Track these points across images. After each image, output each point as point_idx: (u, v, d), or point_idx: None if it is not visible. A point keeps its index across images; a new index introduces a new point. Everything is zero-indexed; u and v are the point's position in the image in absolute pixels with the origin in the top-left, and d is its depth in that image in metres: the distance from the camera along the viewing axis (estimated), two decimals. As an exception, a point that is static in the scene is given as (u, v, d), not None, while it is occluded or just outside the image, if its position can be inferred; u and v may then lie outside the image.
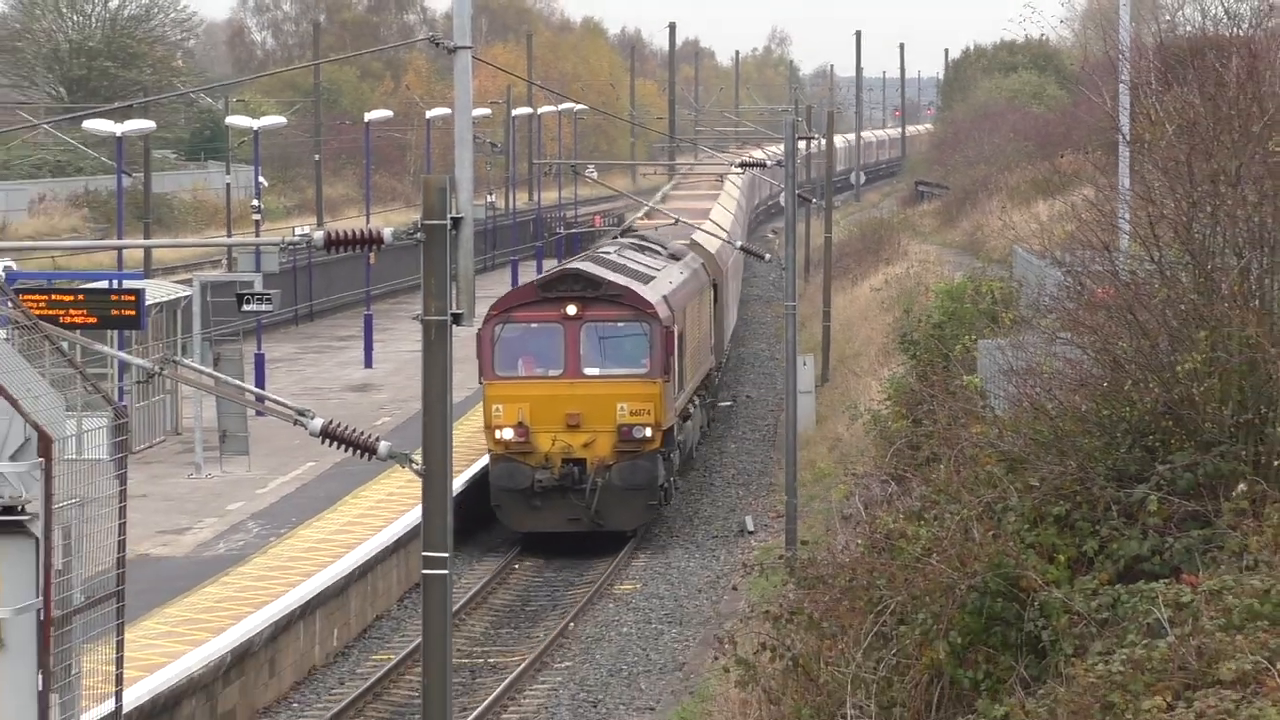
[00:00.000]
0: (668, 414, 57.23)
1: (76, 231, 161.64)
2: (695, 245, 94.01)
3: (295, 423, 38.48)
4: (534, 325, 56.77)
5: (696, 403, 71.67)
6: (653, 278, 71.70)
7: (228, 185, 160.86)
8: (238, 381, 55.26)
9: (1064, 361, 41.43)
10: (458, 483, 53.77)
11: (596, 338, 66.37)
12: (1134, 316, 38.03)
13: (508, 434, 55.36)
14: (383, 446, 37.33)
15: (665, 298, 63.73)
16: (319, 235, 35.82)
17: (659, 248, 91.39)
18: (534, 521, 54.84)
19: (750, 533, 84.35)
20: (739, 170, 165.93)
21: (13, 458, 24.77)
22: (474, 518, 59.08)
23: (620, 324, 65.88)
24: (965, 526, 36.93)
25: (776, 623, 42.43)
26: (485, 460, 59.55)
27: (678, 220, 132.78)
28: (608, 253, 73.74)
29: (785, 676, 40.86)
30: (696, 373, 72.87)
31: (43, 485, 24.70)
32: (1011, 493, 36.76)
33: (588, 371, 64.18)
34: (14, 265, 56.00)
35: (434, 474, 32.89)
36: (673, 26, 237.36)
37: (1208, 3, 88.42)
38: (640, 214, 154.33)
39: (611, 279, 69.90)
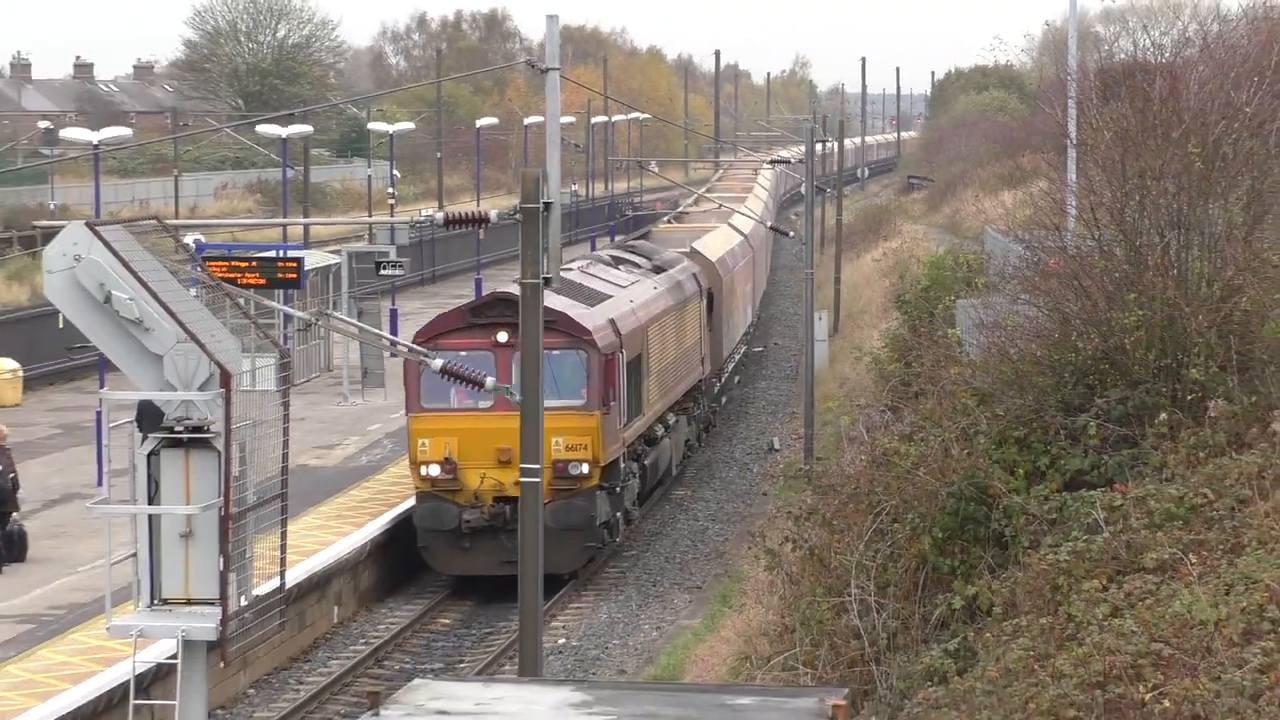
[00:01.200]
0: (608, 448, 47.90)
1: (250, 212, 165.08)
2: (695, 254, 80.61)
3: (420, 363, 40.50)
4: (463, 353, 44.93)
5: (672, 420, 62.32)
6: (608, 298, 59.24)
7: (369, 177, 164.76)
8: (376, 330, 57.68)
9: (1023, 317, 42.18)
10: (377, 524, 49.32)
11: None
12: (1078, 283, 38.89)
13: (434, 470, 46.08)
14: (489, 381, 40.46)
15: (613, 321, 53.12)
16: (440, 216, 42.20)
17: (643, 260, 74.71)
18: (463, 564, 46.74)
19: (776, 450, 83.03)
20: (769, 166, 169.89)
21: (201, 388, 24.39)
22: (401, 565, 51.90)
23: (555, 352, 49.51)
24: (945, 446, 37.91)
25: (797, 521, 43.63)
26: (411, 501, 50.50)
27: (720, 204, 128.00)
28: (570, 269, 60.49)
29: (803, 563, 42.06)
30: (676, 388, 63.12)
31: (223, 410, 24.65)
32: (981, 420, 37.70)
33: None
34: (202, 238, 56.20)
35: (528, 401, 36.29)
36: (717, 54, 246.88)
37: (1138, 35, 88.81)
38: (691, 200, 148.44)
39: (546, 303, 49.51)
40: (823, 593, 38.18)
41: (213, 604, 24.48)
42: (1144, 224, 37.64)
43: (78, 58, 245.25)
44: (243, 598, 25.01)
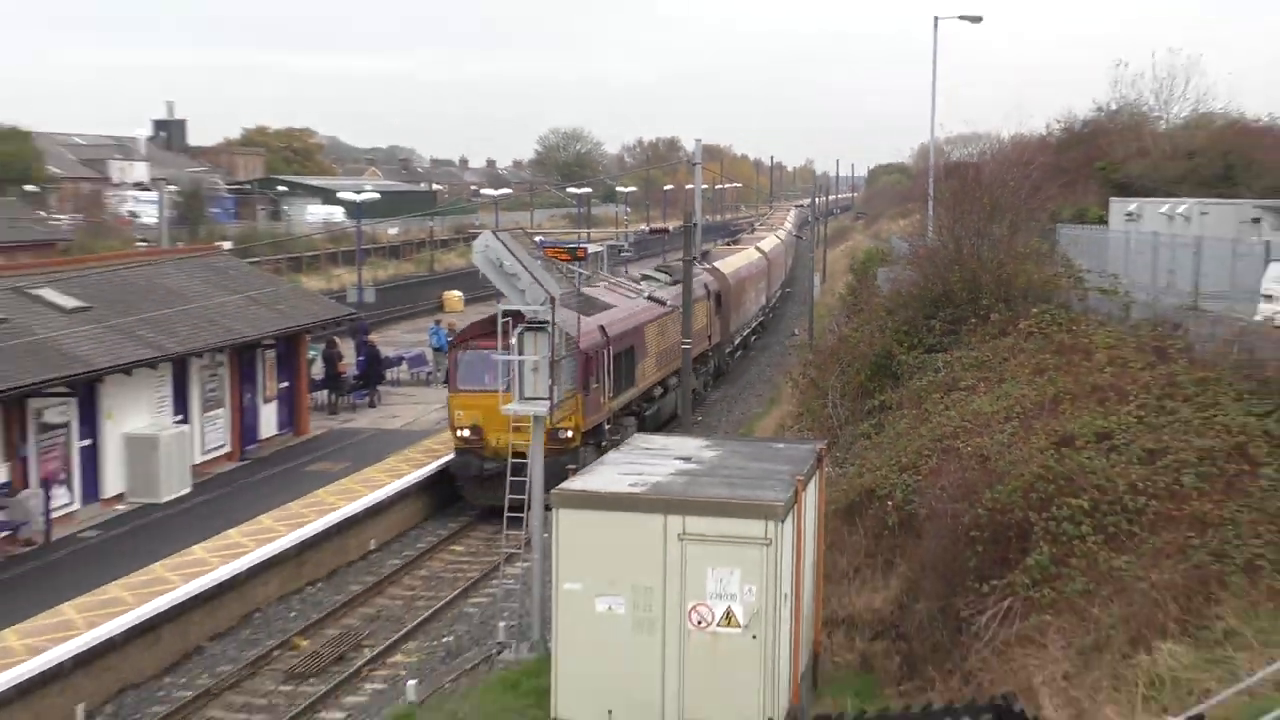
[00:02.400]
0: (588, 418, 42.15)
1: (564, 228, 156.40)
2: (713, 269, 66.98)
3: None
4: (484, 351, 40.14)
5: (674, 382, 50.62)
6: (610, 308, 49.29)
7: (617, 212, 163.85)
8: (626, 278, 59.53)
9: (906, 276, 44.51)
10: (431, 467, 43.18)
11: None
12: (932, 260, 41.94)
13: (465, 433, 41.46)
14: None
15: (602, 327, 45.08)
16: (645, 229, 44.29)
17: (664, 275, 61.11)
18: (485, 499, 40.85)
19: (795, 334, 76.93)
20: (795, 208, 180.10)
21: (540, 304, 27.78)
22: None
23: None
24: (870, 334, 41.29)
25: (804, 366, 46.92)
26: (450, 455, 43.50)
27: (754, 229, 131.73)
28: (596, 286, 52.04)
29: (807, 385, 44.81)
30: (662, 370, 52.38)
31: (551, 313, 28.01)
32: (888, 321, 40.66)
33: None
34: (542, 238, 54.57)
35: (685, 313, 41.20)
36: (772, 158, 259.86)
37: (962, 150, 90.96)
38: (758, 219, 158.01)
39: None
40: (815, 397, 41.84)
41: (545, 400, 27.68)
42: (962, 233, 40.32)
43: (489, 160, 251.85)
44: (557, 396, 28.01)
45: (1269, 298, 30.20)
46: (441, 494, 42.83)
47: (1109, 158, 58.52)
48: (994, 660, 21.69)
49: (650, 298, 53.89)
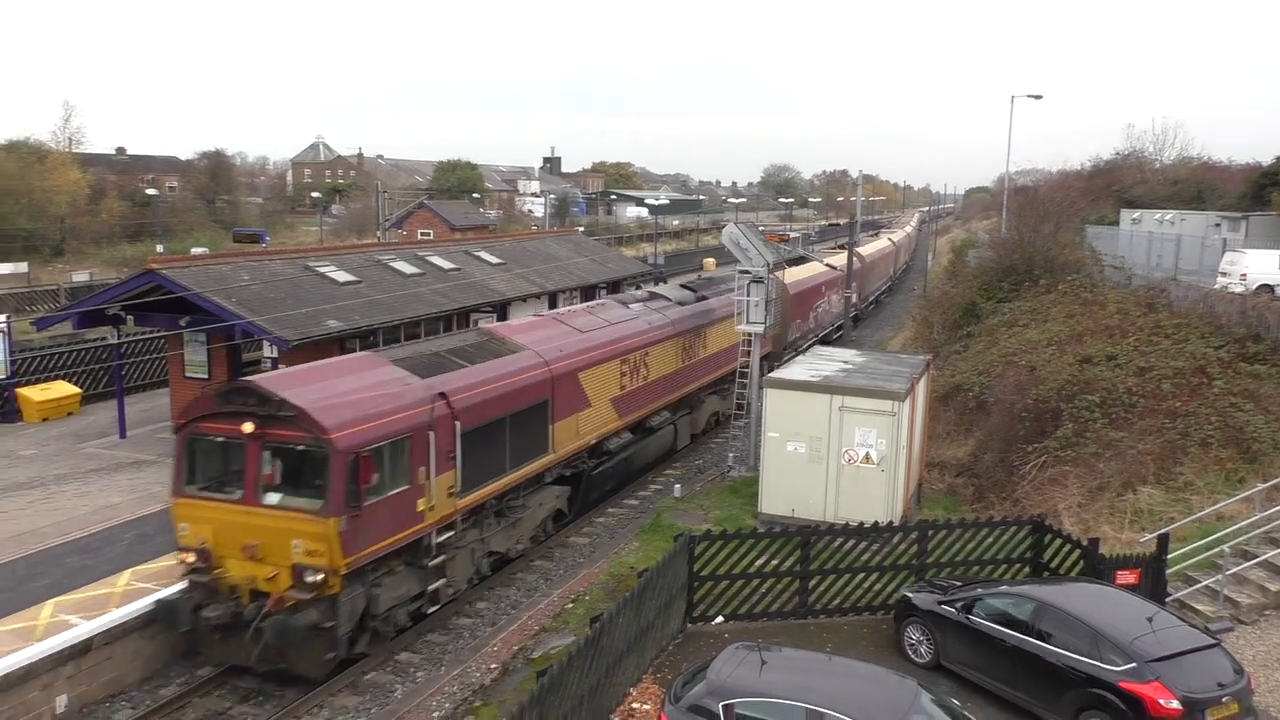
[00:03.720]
0: (351, 555, 13.96)
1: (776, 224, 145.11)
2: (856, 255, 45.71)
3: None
4: (219, 439, 14.53)
5: (670, 414, 26.97)
6: (451, 369, 17.25)
7: (807, 214, 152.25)
8: (821, 258, 50.22)
9: (987, 255, 41.79)
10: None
11: (276, 461, 14.35)
12: (1004, 245, 39.62)
13: (191, 557, 14.45)
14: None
15: (442, 395, 16.14)
16: (824, 223, 37.14)
17: (670, 296, 29.36)
18: (224, 655, 14.61)
19: (914, 291, 61.72)
20: (919, 211, 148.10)
21: (760, 268, 25.11)
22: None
23: (299, 448, 14.17)
24: (962, 289, 39.34)
25: (920, 309, 44.44)
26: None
27: (900, 223, 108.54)
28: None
29: (922, 321, 41.78)
30: (688, 385, 27.69)
31: (767, 274, 25.16)
32: (974, 282, 38.46)
33: (267, 499, 14.19)
34: (763, 228, 45.87)
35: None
36: (904, 181, 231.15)
37: (1028, 178, 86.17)
38: (893, 220, 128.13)
39: (285, 395, 14.30)
40: (924, 327, 39.79)
41: (761, 323, 24.96)
42: (1024, 230, 38.22)
43: (734, 180, 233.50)
44: (771, 321, 26.59)
45: (1223, 274, 28.96)
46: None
47: (1121, 184, 55.16)
48: (1033, 493, 21.48)
49: (654, 313, 27.01)
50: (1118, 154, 68.22)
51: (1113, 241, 40.54)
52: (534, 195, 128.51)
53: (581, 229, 79.20)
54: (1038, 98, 47.94)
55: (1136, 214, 44.54)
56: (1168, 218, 41.13)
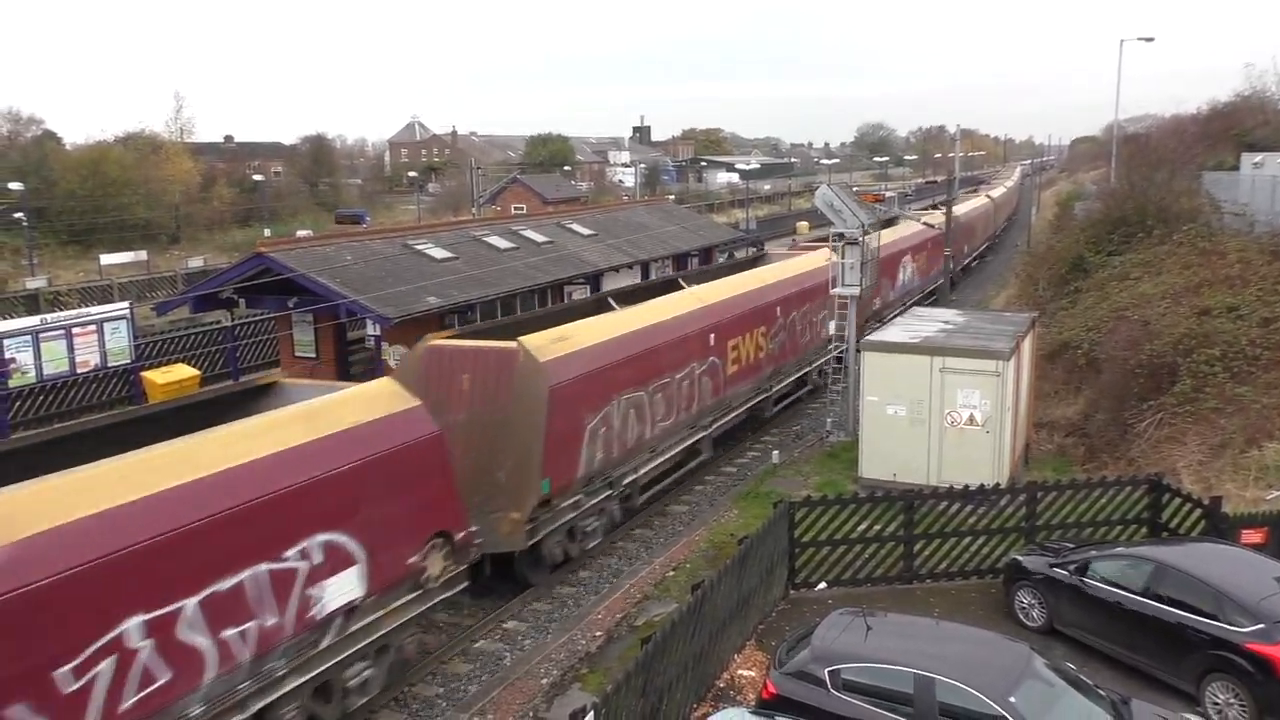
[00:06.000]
0: None
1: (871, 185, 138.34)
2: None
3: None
4: None
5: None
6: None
7: (903, 173, 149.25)
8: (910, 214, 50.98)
9: (1096, 206, 40.92)
10: None
11: None
12: (1114, 195, 38.58)
13: None
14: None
15: None
16: (922, 181, 34.35)
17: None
18: None
19: (1018, 246, 58.60)
20: (1021, 164, 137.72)
21: (854, 228, 24.71)
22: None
23: None
24: (1069, 242, 38.17)
25: (1024, 265, 43.45)
26: None
27: (1001, 178, 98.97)
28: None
29: (1026, 277, 41.03)
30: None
31: (863, 234, 24.72)
32: (1081, 235, 37.28)
33: None
34: (856, 189, 44.51)
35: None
36: (1005, 134, 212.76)
37: (1139, 125, 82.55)
38: (994, 175, 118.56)
39: None
40: (1028, 283, 38.91)
41: (857, 286, 24.63)
42: (1135, 178, 37.19)
43: (826, 141, 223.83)
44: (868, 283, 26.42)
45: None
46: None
47: (1242, 126, 52.13)
48: (1149, 451, 20.84)
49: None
50: (1237, 95, 64.57)
51: (1233, 188, 38.62)
52: (624, 165, 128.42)
53: (672, 197, 78.82)
54: (1149, 40, 45.69)
55: (1259, 157, 42.04)
56: (1295, 159, 39.09)
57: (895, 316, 25.65)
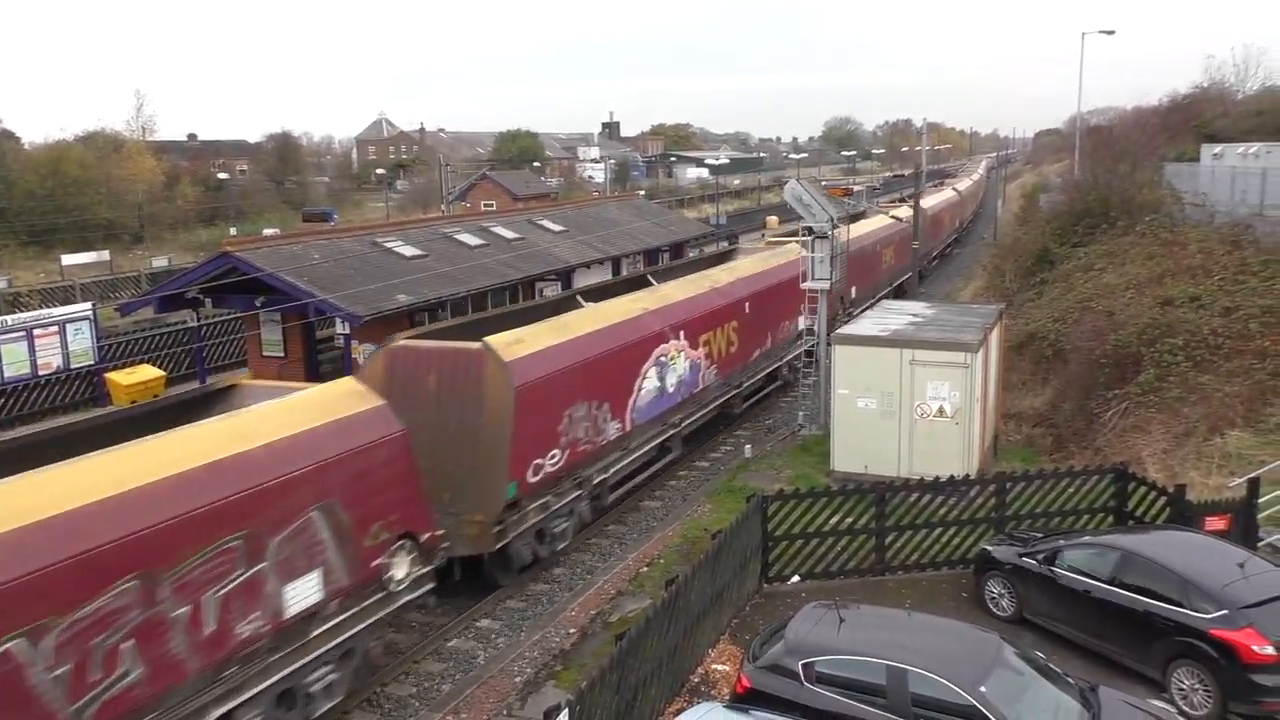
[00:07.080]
0: None
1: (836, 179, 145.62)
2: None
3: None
4: None
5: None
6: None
7: (871, 167, 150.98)
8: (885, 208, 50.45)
9: (1060, 199, 41.20)
10: None
11: None
12: (1077, 187, 38.78)
13: None
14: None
15: None
16: (889, 175, 35.35)
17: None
18: None
19: (985, 239, 61.30)
20: (987, 158, 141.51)
21: (822, 224, 24.62)
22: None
23: None
24: (1034, 235, 38.46)
25: (992, 258, 43.42)
26: None
27: (967, 171, 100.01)
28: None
29: (991, 270, 41.32)
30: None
31: (832, 229, 24.75)
32: (1047, 227, 37.58)
33: None
34: (825, 183, 43.74)
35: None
36: (970, 127, 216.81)
37: (1100, 117, 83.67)
38: (960, 168, 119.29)
39: None
40: (996, 275, 39.12)
41: (827, 280, 24.71)
42: (1098, 170, 37.36)
43: (794, 136, 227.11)
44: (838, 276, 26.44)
45: (1315, 206, 27.75)
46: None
47: (1201, 118, 52.84)
48: (1114, 441, 20.99)
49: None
50: (1197, 87, 65.46)
51: (1193, 179, 39.26)
52: (594, 161, 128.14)
53: (642, 193, 78.39)
54: (1110, 33, 46.08)
55: (1218, 148, 42.77)
56: (1252, 151, 39.62)
57: (864, 311, 25.72)
